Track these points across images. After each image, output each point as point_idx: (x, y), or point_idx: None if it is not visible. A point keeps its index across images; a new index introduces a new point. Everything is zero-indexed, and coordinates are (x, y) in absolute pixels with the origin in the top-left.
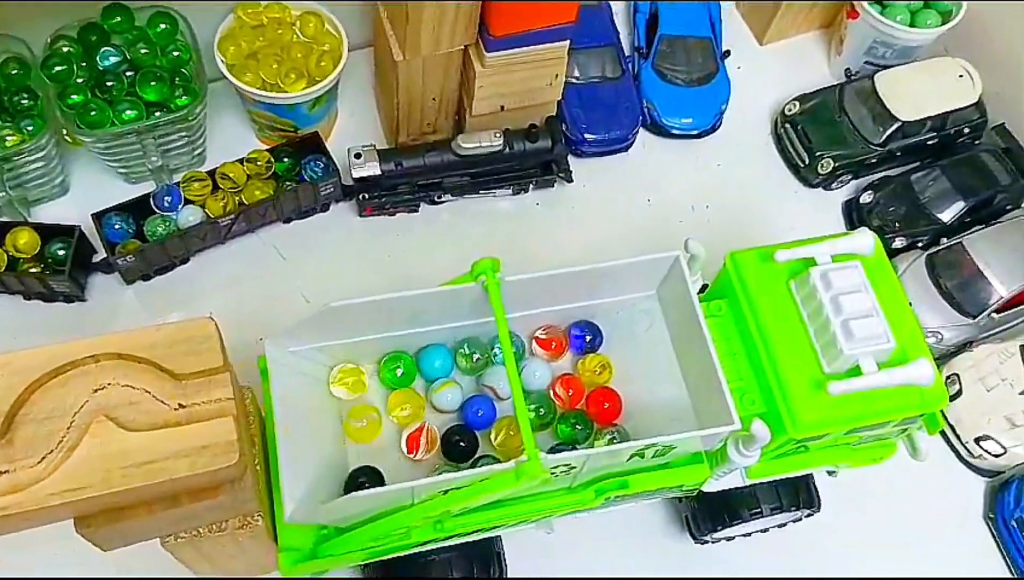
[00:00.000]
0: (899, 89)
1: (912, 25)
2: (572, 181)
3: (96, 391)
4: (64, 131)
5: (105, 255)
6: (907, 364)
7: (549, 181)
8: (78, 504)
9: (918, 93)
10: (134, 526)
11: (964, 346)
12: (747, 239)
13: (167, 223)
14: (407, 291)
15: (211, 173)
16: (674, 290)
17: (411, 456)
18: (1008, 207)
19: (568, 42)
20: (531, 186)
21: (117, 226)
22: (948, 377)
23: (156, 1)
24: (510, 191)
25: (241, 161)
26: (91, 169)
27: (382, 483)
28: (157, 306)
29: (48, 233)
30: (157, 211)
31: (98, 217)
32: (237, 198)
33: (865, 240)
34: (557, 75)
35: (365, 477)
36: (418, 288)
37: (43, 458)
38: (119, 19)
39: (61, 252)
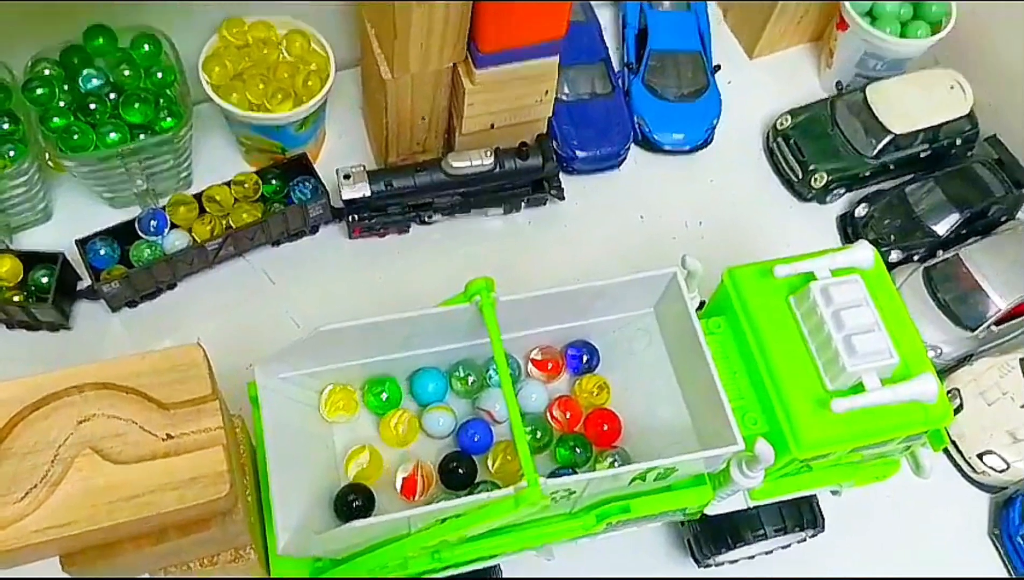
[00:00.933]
0: (891, 101)
1: (902, 36)
2: (564, 199)
3: (81, 423)
4: (47, 156)
5: (90, 282)
6: (911, 380)
7: (541, 199)
8: (63, 541)
9: (910, 105)
10: (122, 563)
11: (964, 360)
12: (742, 255)
13: (153, 248)
14: (399, 313)
15: (198, 196)
16: (672, 308)
17: (409, 501)
18: (1003, 218)
19: (557, 57)
20: (523, 205)
21: (102, 252)
22: (949, 392)
23: (139, 23)
24: (501, 210)
25: (228, 184)
26: (75, 194)
27: (373, 503)
28: (144, 333)
29: (31, 260)
30: (143, 236)
31: (82, 243)
32: (224, 221)
33: (864, 253)
34: (547, 91)
35: (355, 495)
36: (410, 310)
37: (26, 494)
38: (101, 41)
39: (44, 279)
